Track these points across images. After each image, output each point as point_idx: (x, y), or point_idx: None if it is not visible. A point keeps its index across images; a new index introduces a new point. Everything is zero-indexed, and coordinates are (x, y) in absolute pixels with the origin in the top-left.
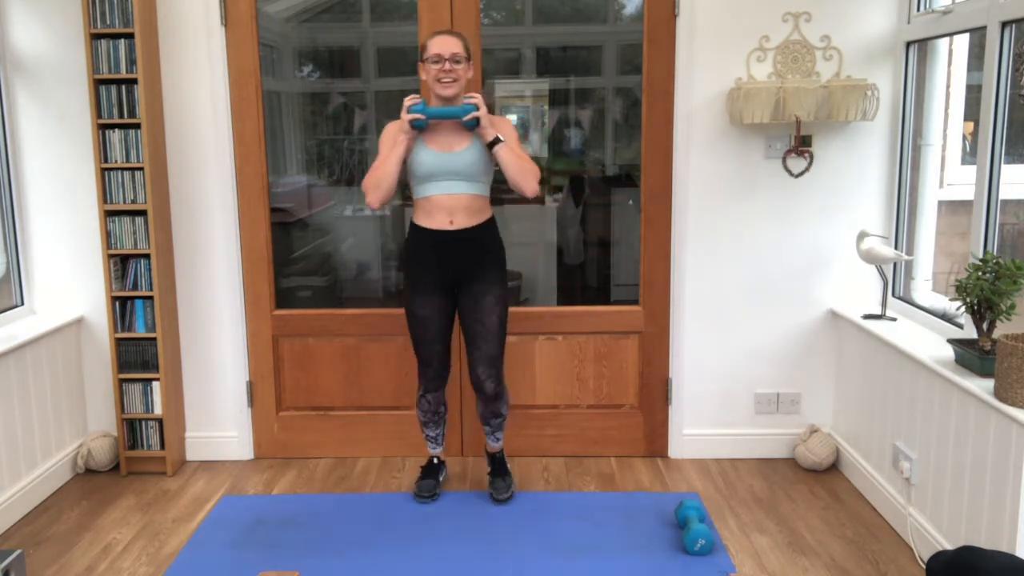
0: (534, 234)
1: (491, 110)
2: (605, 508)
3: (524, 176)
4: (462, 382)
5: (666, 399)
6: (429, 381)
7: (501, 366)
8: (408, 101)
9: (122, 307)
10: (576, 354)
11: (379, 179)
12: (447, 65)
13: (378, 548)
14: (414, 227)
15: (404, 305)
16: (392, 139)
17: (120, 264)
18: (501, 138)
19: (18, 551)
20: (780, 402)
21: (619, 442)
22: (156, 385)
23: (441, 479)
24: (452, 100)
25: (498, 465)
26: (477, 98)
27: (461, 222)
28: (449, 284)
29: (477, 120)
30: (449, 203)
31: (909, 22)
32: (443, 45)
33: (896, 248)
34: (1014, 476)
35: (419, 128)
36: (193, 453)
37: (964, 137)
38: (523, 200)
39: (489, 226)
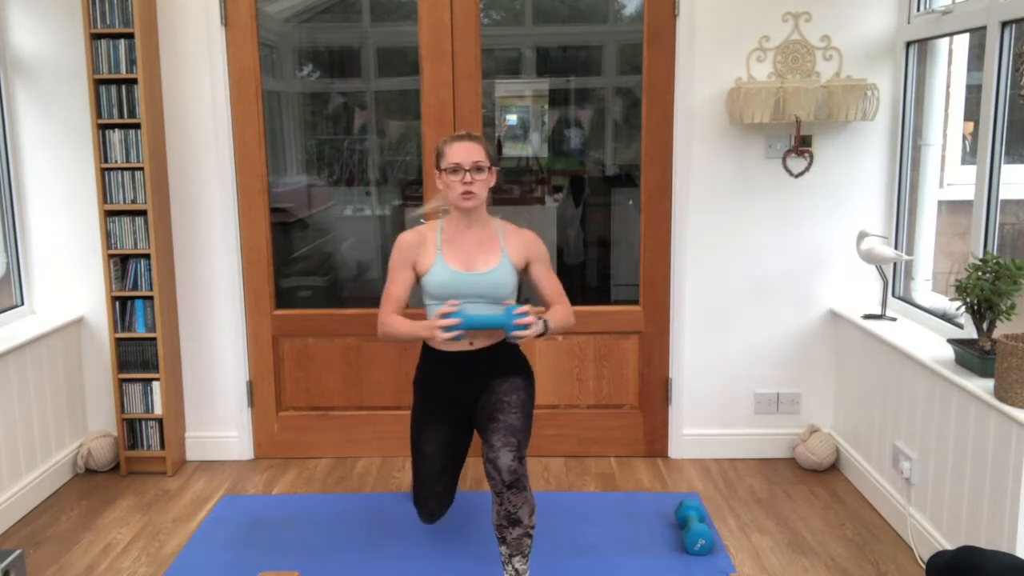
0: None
1: (491, 110)
2: (605, 508)
3: (567, 329)
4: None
5: (666, 399)
6: (423, 518)
7: (524, 445)
8: (439, 318)
9: (122, 307)
10: (576, 354)
11: (390, 337)
12: (467, 176)
13: (378, 548)
14: (427, 348)
15: (411, 430)
16: (405, 263)
17: (120, 264)
18: (548, 325)
19: (18, 551)
20: (780, 402)
21: (619, 442)
22: (156, 385)
23: None
24: (473, 214)
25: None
26: (529, 317)
27: (481, 342)
28: (465, 413)
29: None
30: None
31: (909, 22)
32: (463, 153)
33: (896, 248)
34: (1014, 476)
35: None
36: (193, 453)
37: (964, 137)
38: (523, 200)
39: (512, 344)
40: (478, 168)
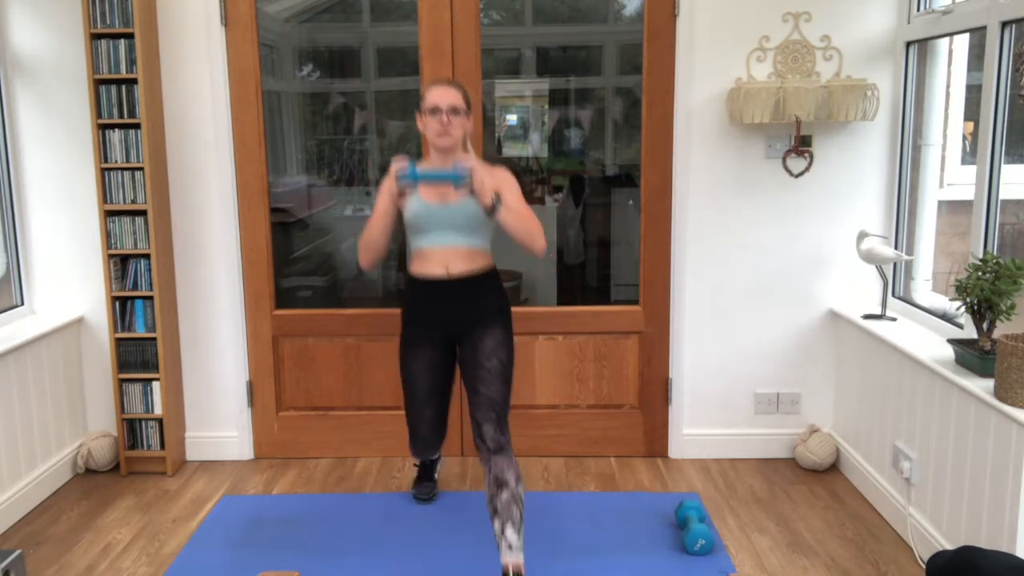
0: None
1: (491, 110)
2: (605, 508)
3: (531, 237)
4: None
5: (666, 399)
6: (416, 448)
7: (504, 415)
8: (395, 166)
9: (122, 307)
10: (576, 354)
11: (367, 242)
12: (445, 117)
13: (378, 548)
14: (410, 277)
15: (399, 358)
16: (387, 192)
17: (120, 264)
18: (499, 202)
19: (18, 551)
20: (780, 402)
21: (619, 442)
22: (156, 385)
23: (437, 476)
24: (450, 152)
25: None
26: (471, 160)
27: (458, 269)
28: (446, 338)
29: (471, 188)
30: (444, 255)
31: (909, 22)
32: (441, 96)
33: (896, 248)
34: (1014, 476)
35: (412, 185)
36: (193, 453)
37: (964, 137)
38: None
39: (490, 274)
40: (455, 111)
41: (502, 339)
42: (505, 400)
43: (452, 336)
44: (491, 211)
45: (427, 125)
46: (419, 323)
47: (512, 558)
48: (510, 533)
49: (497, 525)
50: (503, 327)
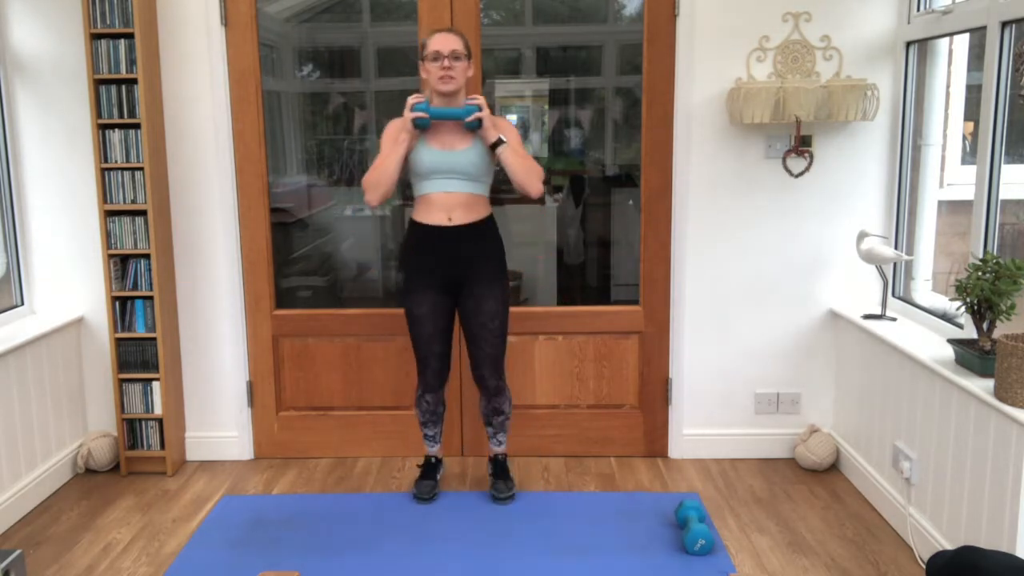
0: (534, 234)
1: (491, 110)
2: (605, 508)
3: (529, 176)
4: (462, 382)
5: (666, 399)
6: (428, 381)
7: (503, 365)
8: (412, 100)
9: (122, 307)
10: (576, 354)
11: (379, 177)
12: (446, 62)
13: (378, 548)
14: (412, 223)
15: (402, 303)
16: (393, 137)
17: (120, 264)
18: (503, 140)
19: (18, 551)
20: (780, 402)
21: (619, 442)
22: (156, 385)
23: (439, 477)
24: (453, 98)
25: (500, 469)
26: (480, 99)
27: (459, 218)
28: (448, 282)
29: (480, 121)
30: (448, 201)
31: (909, 22)
32: (442, 42)
33: (896, 248)
34: (1014, 476)
35: (422, 127)
36: (193, 453)
37: (964, 137)
38: (523, 200)
39: (488, 223)
40: (456, 56)
41: (502, 297)
42: (504, 352)
43: (452, 281)
44: (495, 145)
45: (429, 72)
46: (421, 269)
47: (500, 449)
48: (501, 436)
49: (490, 431)
50: (502, 286)
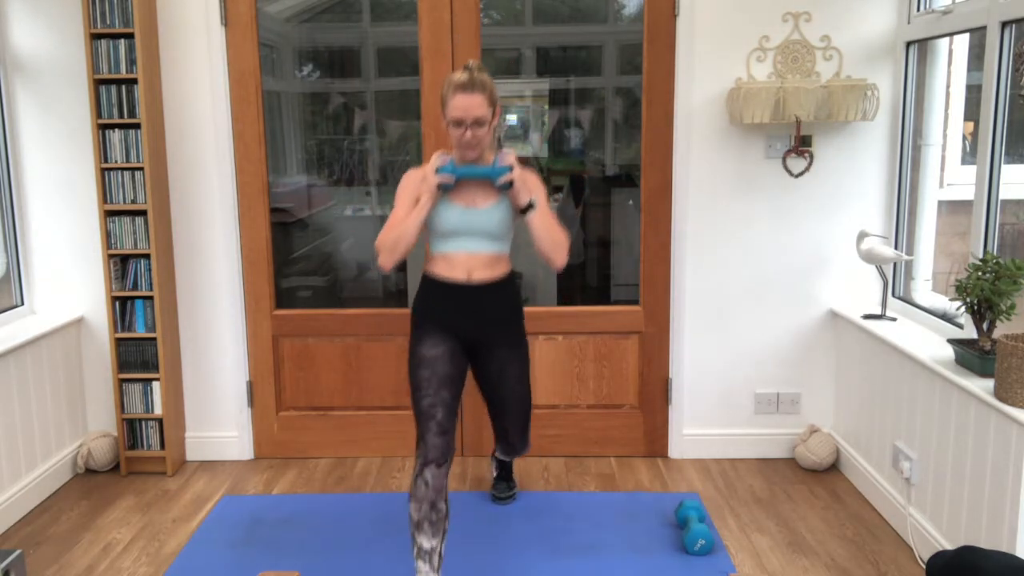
0: None
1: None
2: (605, 508)
3: (555, 249)
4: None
5: (666, 399)
6: (431, 444)
7: (529, 425)
8: (436, 160)
9: (122, 307)
10: (576, 354)
11: (396, 242)
12: (468, 133)
13: (378, 548)
14: (426, 278)
15: (412, 349)
16: (411, 193)
17: (120, 264)
18: (534, 204)
19: (18, 551)
20: (780, 402)
21: (619, 442)
22: (156, 385)
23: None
24: (478, 158)
25: (505, 471)
26: (511, 157)
27: (480, 277)
28: (463, 339)
29: (511, 183)
30: (469, 261)
31: (909, 22)
32: (464, 108)
33: (896, 248)
34: (1014, 476)
35: (447, 190)
36: (193, 453)
37: (964, 137)
38: None
39: (509, 280)
40: (478, 123)
41: (525, 360)
42: (530, 411)
43: (469, 339)
44: (525, 210)
45: (451, 133)
46: (435, 321)
47: (507, 459)
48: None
49: (507, 458)
50: (524, 345)
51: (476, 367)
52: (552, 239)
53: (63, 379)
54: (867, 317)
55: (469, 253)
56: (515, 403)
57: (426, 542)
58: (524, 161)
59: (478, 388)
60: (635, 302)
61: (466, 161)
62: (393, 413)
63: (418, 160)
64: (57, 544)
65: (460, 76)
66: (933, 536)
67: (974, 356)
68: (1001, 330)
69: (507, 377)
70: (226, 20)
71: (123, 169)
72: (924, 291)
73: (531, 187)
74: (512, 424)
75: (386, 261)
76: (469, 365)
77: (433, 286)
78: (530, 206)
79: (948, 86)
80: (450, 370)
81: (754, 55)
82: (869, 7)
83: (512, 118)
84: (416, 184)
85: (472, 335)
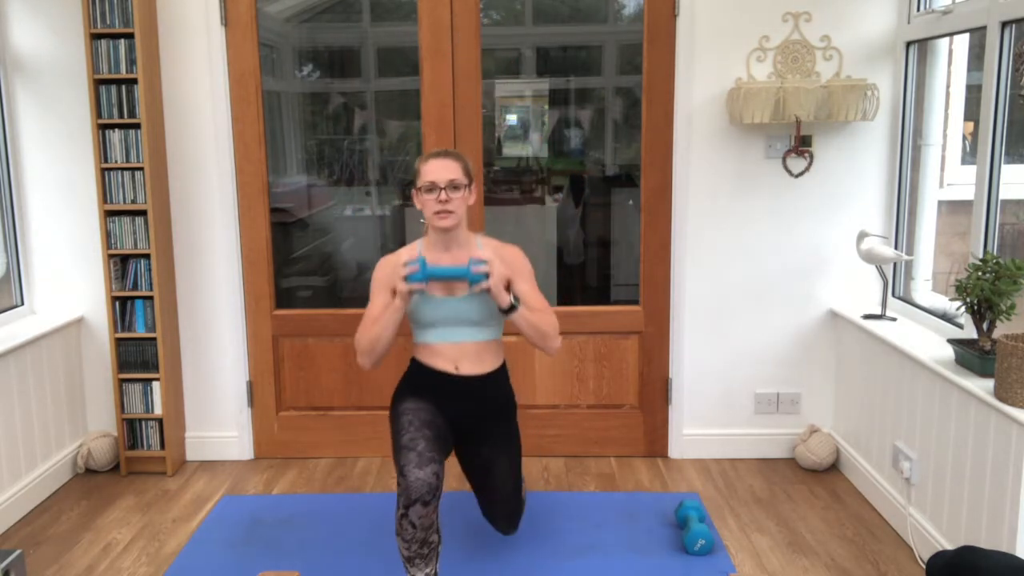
0: (534, 234)
1: (491, 110)
2: (605, 508)
3: (545, 340)
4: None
5: (666, 399)
6: (412, 480)
7: (520, 510)
8: (405, 270)
9: (122, 307)
10: (576, 354)
11: (374, 343)
12: (443, 195)
13: (378, 548)
14: (415, 362)
15: (393, 412)
16: (386, 284)
17: (120, 264)
18: (516, 304)
19: (18, 551)
20: (780, 402)
21: (619, 442)
22: (156, 385)
23: None
24: (452, 233)
25: None
26: (486, 261)
27: (468, 369)
28: (449, 420)
29: (488, 289)
30: (453, 352)
31: (909, 22)
32: (438, 171)
33: (896, 248)
34: (1014, 476)
35: (420, 287)
36: (193, 453)
37: (964, 137)
38: (523, 200)
39: (499, 375)
40: (454, 186)
41: (517, 456)
42: (520, 491)
43: (457, 426)
44: (508, 311)
45: (424, 204)
46: (422, 401)
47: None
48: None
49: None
50: (516, 442)
51: (462, 454)
52: (541, 333)
53: (63, 379)
54: (867, 317)
55: (453, 344)
56: (501, 504)
57: (420, 572)
58: (524, 161)
59: (463, 468)
60: (635, 302)
61: (442, 233)
62: None
63: (418, 159)
64: (57, 544)
65: (434, 149)
66: (933, 536)
67: (974, 356)
68: (1001, 330)
69: (494, 476)
70: (226, 20)
71: (123, 169)
72: (924, 291)
73: (513, 270)
74: (498, 515)
75: (364, 363)
76: (457, 440)
77: (421, 372)
78: (512, 308)
79: (948, 86)
80: (435, 419)
81: (754, 55)
82: (869, 7)
83: (512, 118)
84: (389, 276)
85: (459, 422)
